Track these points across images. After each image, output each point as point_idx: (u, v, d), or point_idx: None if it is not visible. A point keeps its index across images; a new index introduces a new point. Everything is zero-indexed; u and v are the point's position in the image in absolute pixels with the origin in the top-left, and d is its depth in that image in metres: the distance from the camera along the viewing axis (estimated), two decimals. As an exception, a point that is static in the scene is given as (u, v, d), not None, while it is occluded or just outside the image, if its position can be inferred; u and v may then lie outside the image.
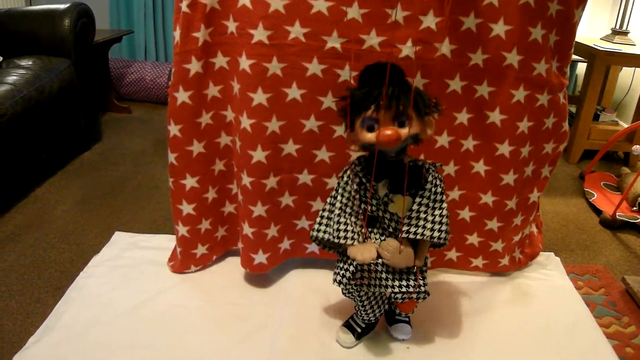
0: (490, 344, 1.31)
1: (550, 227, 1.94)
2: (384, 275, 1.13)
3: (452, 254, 1.57)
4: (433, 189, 1.08)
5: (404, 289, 1.13)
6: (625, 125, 2.59)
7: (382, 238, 1.12)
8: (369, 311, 1.24)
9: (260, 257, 1.46)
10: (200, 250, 1.53)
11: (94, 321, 1.32)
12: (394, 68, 1.00)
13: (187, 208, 1.46)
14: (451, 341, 1.32)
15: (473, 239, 1.53)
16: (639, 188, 2.05)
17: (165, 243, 1.66)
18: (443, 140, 1.38)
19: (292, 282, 1.52)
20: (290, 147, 1.36)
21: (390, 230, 1.11)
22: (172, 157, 1.40)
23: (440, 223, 1.07)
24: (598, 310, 1.47)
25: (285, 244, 1.52)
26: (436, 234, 1.07)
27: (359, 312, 1.27)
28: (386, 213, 1.10)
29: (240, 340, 1.28)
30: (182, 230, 1.49)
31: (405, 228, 1.08)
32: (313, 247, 1.55)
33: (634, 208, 2.05)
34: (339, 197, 1.12)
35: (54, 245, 1.67)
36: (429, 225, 1.07)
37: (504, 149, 1.37)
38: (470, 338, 1.33)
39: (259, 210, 1.40)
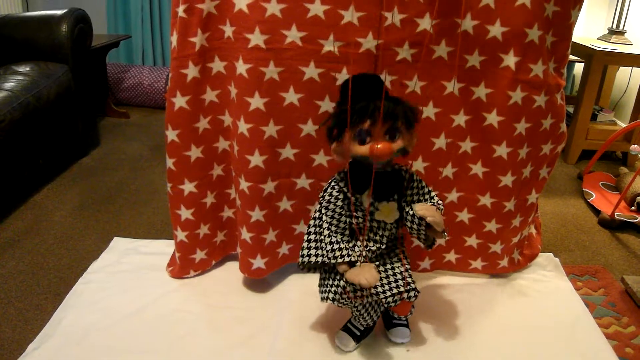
0: (490, 346, 1.31)
1: (549, 227, 1.94)
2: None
3: (451, 256, 1.57)
4: (418, 184, 1.17)
5: (394, 291, 1.14)
6: (623, 125, 2.60)
7: (377, 246, 1.15)
8: (365, 316, 1.24)
9: (258, 262, 1.46)
10: (199, 255, 1.53)
11: (93, 327, 1.32)
12: (376, 80, 1.04)
13: (185, 213, 1.46)
14: (450, 343, 1.31)
15: (472, 241, 1.53)
16: (637, 187, 2.05)
17: (164, 248, 1.65)
18: (440, 142, 1.38)
19: (290, 286, 1.52)
20: (288, 152, 1.36)
21: (378, 238, 1.15)
22: (170, 162, 1.40)
23: (437, 198, 1.17)
24: (597, 311, 1.47)
25: (284, 249, 1.51)
26: (436, 204, 1.15)
27: (356, 318, 1.27)
28: (373, 222, 1.14)
29: (239, 345, 1.28)
30: (181, 235, 1.49)
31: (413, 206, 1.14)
32: (312, 251, 1.55)
33: (633, 208, 2.05)
34: (324, 218, 1.12)
35: (52, 251, 1.67)
36: (429, 201, 1.16)
37: (502, 150, 1.37)
38: (469, 340, 1.33)
39: (257, 215, 1.40)
